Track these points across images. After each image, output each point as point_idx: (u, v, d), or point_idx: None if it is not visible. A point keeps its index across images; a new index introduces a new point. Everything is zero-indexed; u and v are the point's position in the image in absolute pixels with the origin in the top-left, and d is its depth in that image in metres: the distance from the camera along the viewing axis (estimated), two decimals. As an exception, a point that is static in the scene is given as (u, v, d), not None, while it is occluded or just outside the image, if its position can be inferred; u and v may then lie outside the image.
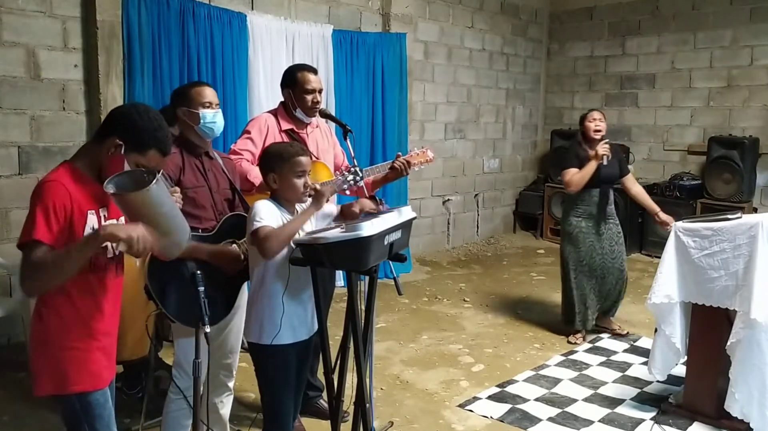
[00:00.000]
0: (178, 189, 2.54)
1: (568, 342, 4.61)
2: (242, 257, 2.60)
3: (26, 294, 1.92)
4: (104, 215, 1.96)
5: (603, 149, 4.33)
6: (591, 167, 4.34)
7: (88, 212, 1.91)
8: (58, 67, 4.39)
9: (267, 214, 2.35)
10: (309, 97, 3.14)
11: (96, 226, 1.92)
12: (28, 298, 1.92)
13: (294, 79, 3.17)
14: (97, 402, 1.99)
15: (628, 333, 4.75)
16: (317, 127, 3.31)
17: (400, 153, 3.31)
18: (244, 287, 2.79)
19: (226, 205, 2.75)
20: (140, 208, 1.82)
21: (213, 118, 2.65)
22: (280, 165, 2.41)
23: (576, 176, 4.39)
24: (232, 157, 3.09)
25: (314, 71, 3.21)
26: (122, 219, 2.04)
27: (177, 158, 2.60)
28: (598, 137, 4.43)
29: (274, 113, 3.25)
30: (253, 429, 3.00)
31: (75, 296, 1.94)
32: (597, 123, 4.44)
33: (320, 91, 3.18)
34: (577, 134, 4.63)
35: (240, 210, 2.77)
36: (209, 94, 2.69)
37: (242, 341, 2.85)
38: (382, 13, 6.47)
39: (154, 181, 1.82)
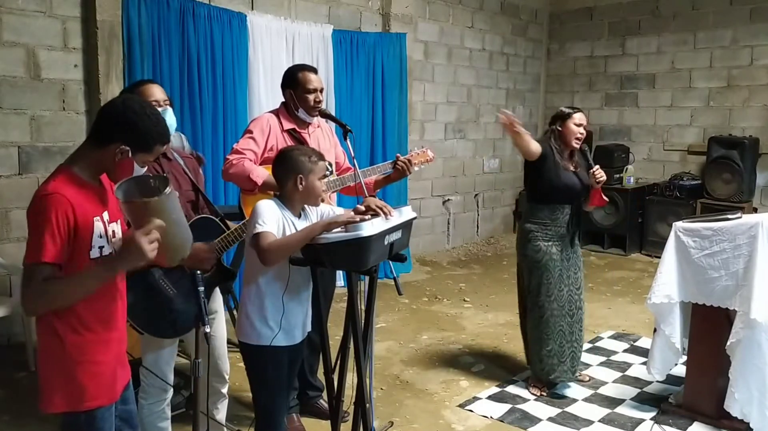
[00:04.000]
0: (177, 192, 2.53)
1: (530, 391, 3.80)
2: (214, 259, 2.57)
3: (28, 314, 1.86)
4: (107, 220, 1.92)
5: None
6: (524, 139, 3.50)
7: (94, 219, 1.86)
8: (58, 67, 4.39)
9: (269, 217, 2.33)
10: (311, 97, 3.15)
11: (102, 233, 1.88)
12: (28, 315, 1.85)
13: (295, 80, 3.17)
14: (102, 416, 1.96)
15: (590, 379, 3.97)
16: (318, 127, 3.32)
17: (399, 154, 3.31)
18: (217, 292, 2.78)
19: (189, 207, 2.66)
20: (152, 215, 1.79)
21: None
22: (309, 168, 2.40)
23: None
24: (233, 156, 3.08)
25: (314, 71, 3.22)
26: (119, 223, 2.01)
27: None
28: (576, 146, 3.63)
29: (275, 113, 3.25)
30: (252, 429, 2.99)
31: (91, 308, 1.89)
32: (582, 131, 3.61)
33: (321, 91, 3.18)
34: (550, 132, 3.68)
35: (205, 212, 2.71)
36: (156, 92, 2.57)
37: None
38: (382, 13, 6.47)
39: (169, 188, 1.80)
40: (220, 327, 2.85)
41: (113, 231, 1.95)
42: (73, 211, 1.80)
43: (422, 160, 3.31)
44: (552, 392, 3.78)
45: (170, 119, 2.57)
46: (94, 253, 1.87)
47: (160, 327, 2.51)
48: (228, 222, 2.72)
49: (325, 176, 2.49)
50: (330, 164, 3.05)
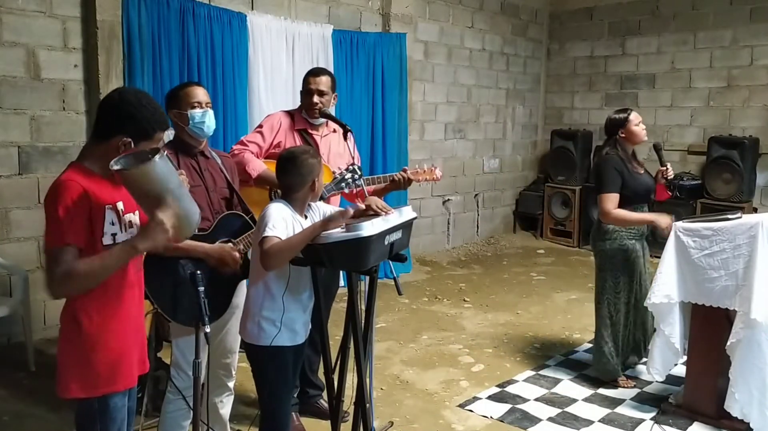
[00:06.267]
0: (183, 171, 2.56)
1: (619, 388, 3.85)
2: (240, 259, 2.60)
3: (53, 297, 1.92)
4: (121, 209, 1.97)
5: (669, 224, 3.52)
6: (648, 219, 3.66)
7: (106, 207, 1.92)
8: (58, 67, 4.38)
9: (278, 221, 2.33)
10: (307, 98, 3.25)
11: (115, 220, 1.94)
12: (54, 298, 1.92)
13: (303, 81, 3.31)
14: (114, 405, 2.00)
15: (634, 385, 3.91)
16: (333, 131, 3.36)
17: (406, 168, 3.35)
18: (242, 286, 2.79)
19: (224, 204, 2.74)
20: (146, 183, 1.83)
21: (202, 117, 2.62)
22: (318, 169, 2.44)
23: (623, 216, 3.63)
24: (237, 147, 3.18)
25: (315, 73, 3.28)
26: (137, 214, 2.05)
27: (172, 159, 2.60)
28: (645, 139, 3.78)
29: (291, 112, 3.36)
30: (252, 428, 3.00)
31: (104, 295, 1.95)
32: (643, 125, 3.76)
33: (321, 93, 3.22)
34: (614, 141, 3.76)
35: (238, 209, 2.77)
36: (199, 94, 2.66)
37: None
38: (382, 13, 6.47)
39: (158, 155, 1.83)
40: (237, 321, 2.85)
41: (130, 221, 2.01)
42: (87, 196, 1.86)
43: (428, 177, 3.34)
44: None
45: (210, 120, 2.66)
46: (107, 240, 1.92)
47: (186, 315, 2.53)
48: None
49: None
50: (359, 168, 3.09)
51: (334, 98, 3.32)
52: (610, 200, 3.65)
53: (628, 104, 8.04)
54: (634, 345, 3.92)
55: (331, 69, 5.72)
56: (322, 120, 3.28)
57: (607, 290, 3.80)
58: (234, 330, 2.84)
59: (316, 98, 3.21)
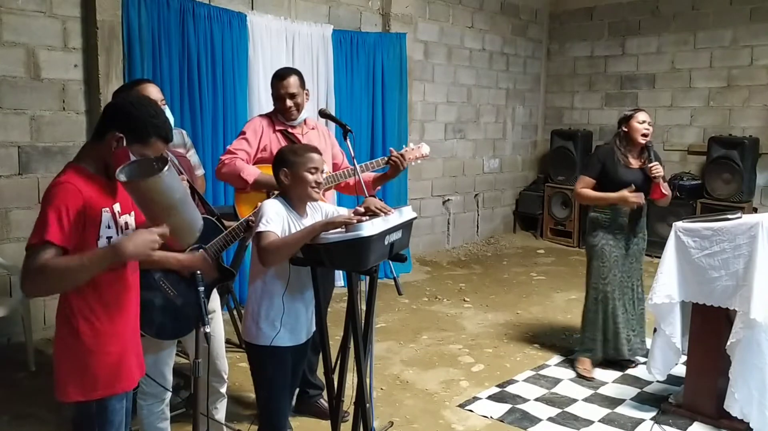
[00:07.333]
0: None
1: (576, 371, 4.05)
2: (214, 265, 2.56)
3: (26, 295, 1.90)
4: (118, 212, 1.96)
5: (636, 198, 3.78)
6: (612, 198, 3.83)
7: (102, 210, 1.90)
8: (58, 67, 4.38)
9: (273, 216, 2.34)
10: (279, 104, 3.24)
11: (111, 223, 1.92)
12: (27, 298, 1.88)
13: (271, 86, 3.28)
14: (112, 407, 1.99)
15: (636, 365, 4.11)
16: (313, 128, 3.36)
17: (393, 149, 3.32)
18: (214, 292, 2.78)
19: None
20: (154, 195, 1.82)
21: None
22: (293, 161, 2.42)
23: (586, 194, 3.94)
24: (226, 156, 3.15)
25: (282, 76, 3.23)
26: (133, 215, 2.04)
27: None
28: (644, 141, 3.87)
29: (268, 115, 3.33)
30: (252, 428, 3.00)
31: (101, 298, 1.93)
32: (647, 126, 3.85)
33: (292, 95, 3.20)
34: (616, 135, 3.98)
35: (200, 212, 2.72)
36: (152, 91, 2.61)
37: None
38: (382, 13, 6.47)
39: (167, 167, 1.82)
40: (217, 326, 2.86)
41: (126, 223, 2.00)
42: (83, 199, 1.84)
43: (416, 155, 3.33)
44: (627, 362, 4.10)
45: (169, 118, 2.58)
46: (102, 242, 1.90)
47: (160, 328, 2.52)
48: (224, 222, 2.73)
49: (317, 169, 2.50)
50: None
51: (306, 95, 3.30)
52: (580, 181, 4.01)
53: (628, 104, 8.05)
54: (611, 337, 3.98)
55: (331, 69, 5.75)
56: (301, 119, 3.28)
57: (587, 279, 4.05)
58: (217, 334, 2.84)
59: (288, 102, 3.20)
